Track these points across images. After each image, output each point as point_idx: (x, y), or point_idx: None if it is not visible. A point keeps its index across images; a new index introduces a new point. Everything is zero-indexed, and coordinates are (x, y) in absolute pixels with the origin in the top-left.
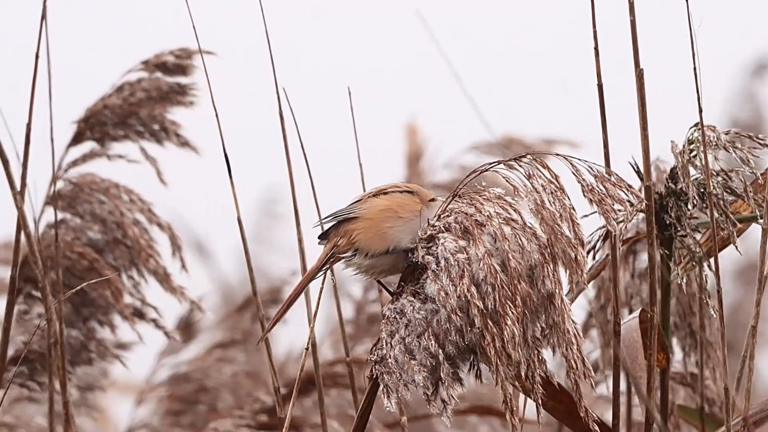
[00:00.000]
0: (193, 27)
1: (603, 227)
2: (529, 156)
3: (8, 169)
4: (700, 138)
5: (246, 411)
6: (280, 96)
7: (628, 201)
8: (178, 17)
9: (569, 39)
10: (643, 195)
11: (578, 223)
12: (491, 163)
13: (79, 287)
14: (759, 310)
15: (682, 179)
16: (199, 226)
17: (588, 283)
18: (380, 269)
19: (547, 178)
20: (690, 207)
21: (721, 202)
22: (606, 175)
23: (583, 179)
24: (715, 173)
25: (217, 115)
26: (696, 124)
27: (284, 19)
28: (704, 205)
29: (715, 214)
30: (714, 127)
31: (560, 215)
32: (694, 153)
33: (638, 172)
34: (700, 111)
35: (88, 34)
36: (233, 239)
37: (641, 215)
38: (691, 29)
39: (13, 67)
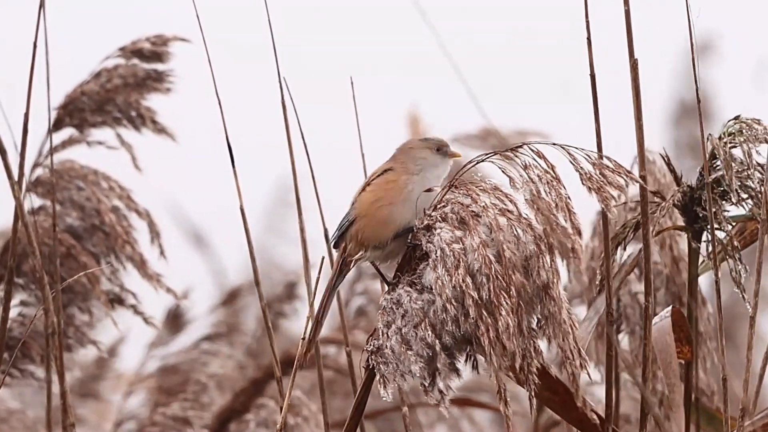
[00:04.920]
0: (198, 18)
1: (635, 218)
2: (525, 146)
3: (6, 159)
4: (739, 130)
5: (189, 394)
6: (282, 85)
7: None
8: (180, 9)
9: (570, 35)
10: (668, 185)
11: (575, 213)
12: (487, 154)
13: (76, 277)
14: (757, 301)
15: (725, 172)
16: (200, 217)
17: (624, 278)
18: (396, 251)
19: (543, 168)
20: (734, 200)
21: (760, 195)
22: (604, 163)
23: (581, 167)
24: (753, 167)
25: (220, 105)
26: (736, 117)
27: (287, 12)
28: (740, 198)
29: (740, 208)
30: (759, 120)
31: (556, 205)
32: (732, 145)
33: (668, 164)
34: (699, 102)
35: (88, 29)
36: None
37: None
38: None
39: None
